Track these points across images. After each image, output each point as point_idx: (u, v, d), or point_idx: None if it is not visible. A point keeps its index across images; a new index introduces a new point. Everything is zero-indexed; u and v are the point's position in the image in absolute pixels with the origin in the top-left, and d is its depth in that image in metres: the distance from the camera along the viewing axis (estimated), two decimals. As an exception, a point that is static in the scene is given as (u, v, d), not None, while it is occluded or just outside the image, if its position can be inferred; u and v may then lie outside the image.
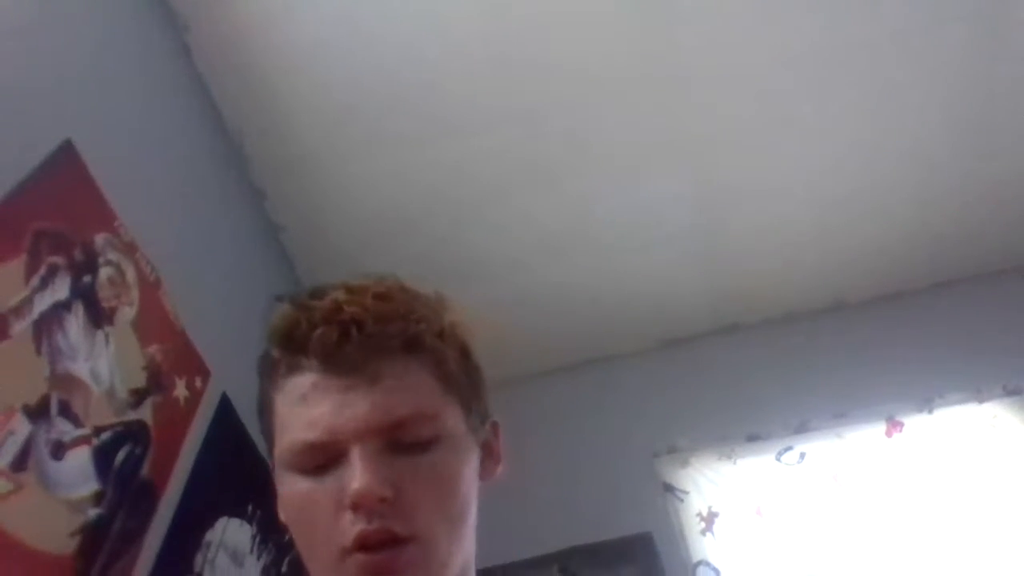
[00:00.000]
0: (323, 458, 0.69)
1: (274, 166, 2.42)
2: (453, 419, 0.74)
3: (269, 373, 0.75)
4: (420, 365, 0.73)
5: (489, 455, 0.78)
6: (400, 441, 0.70)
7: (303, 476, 0.70)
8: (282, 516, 0.77)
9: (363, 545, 0.67)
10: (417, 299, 0.76)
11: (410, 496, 0.68)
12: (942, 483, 2.60)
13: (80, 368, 1.42)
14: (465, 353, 0.77)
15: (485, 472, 0.77)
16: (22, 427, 1.25)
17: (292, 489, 0.71)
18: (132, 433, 1.51)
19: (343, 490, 0.68)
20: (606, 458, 2.77)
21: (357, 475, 0.67)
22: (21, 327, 1.30)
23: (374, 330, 0.71)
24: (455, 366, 0.75)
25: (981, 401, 2.72)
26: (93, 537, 1.34)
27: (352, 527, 0.67)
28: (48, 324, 1.37)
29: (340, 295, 0.72)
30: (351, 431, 0.69)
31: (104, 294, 1.54)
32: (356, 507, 0.67)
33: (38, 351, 1.33)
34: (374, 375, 0.70)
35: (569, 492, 2.70)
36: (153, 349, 1.65)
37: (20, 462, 1.22)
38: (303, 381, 0.71)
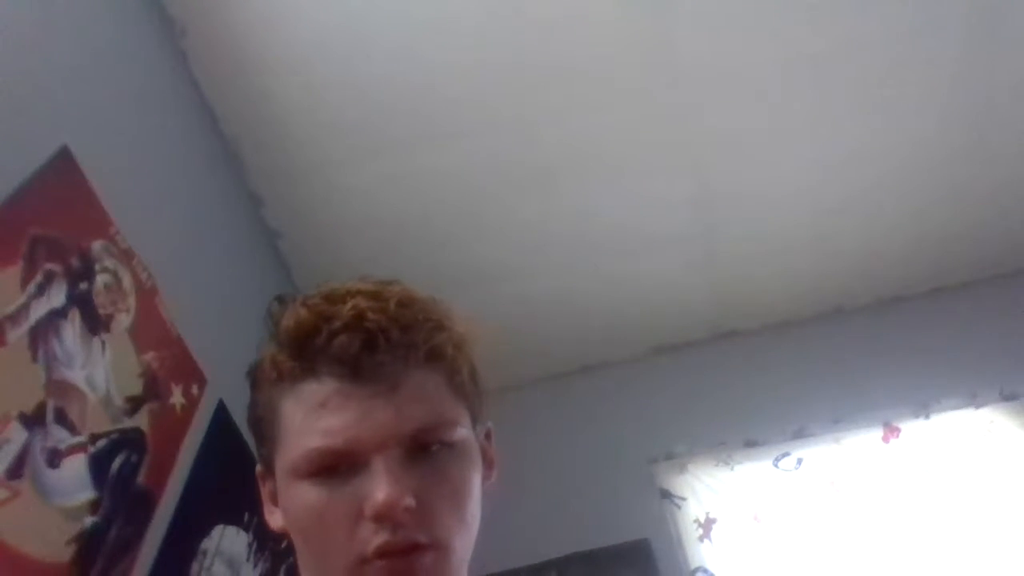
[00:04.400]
0: (339, 466, 0.69)
1: (271, 172, 2.42)
2: (464, 427, 0.74)
3: (275, 377, 0.73)
4: (437, 374, 0.73)
5: (486, 461, 0.79)
6: (418, 449, 0.70)
7: (315, 484, 0.69)
8: (278, 523, 0.76)
9: (385, 553, 0.67)
10: (434, 307, 0.75)
11: (429, 504, 0.68)
12: (939, 488, 2.60)
13: (76, 375, 1.41)
14: (473, 364, 0.78)
15: (483, 478, 0.77)
16: (18, 434, 1.24)
17: (303, 497, 0.70)
18: (128, 440, 1.51)
19: (362, 499, 0.67)
20: (603, 465, 2.76)
21: (382, 486, 0.66)
22: (17, 334, 1.30)
23: (399, 339, 0.71)
24: (466, 376, 0.76)
25: (978, 406, 2.72)
26: (89, 545, 1.33)
27: (375, 537, 0.67)
28: (44, 331, 1.36)
29: (361, 302, 0.71)
30: (374, 440, 0.68)
31: (101, 301, 1.53)
32: (380, 518, 0.67)
33: (34, 358, 1.32)
34: (395, 383, 0.70)
35: (566, 499, 2.70)
36: (149, 356, 1.64)
37: (16, 470, 1.22)
38: (321, 388, 0.70)
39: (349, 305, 0.71)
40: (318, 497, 0.69)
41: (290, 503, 0.72)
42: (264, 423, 0.75)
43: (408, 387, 0.70)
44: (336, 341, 0.69)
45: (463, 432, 0.73)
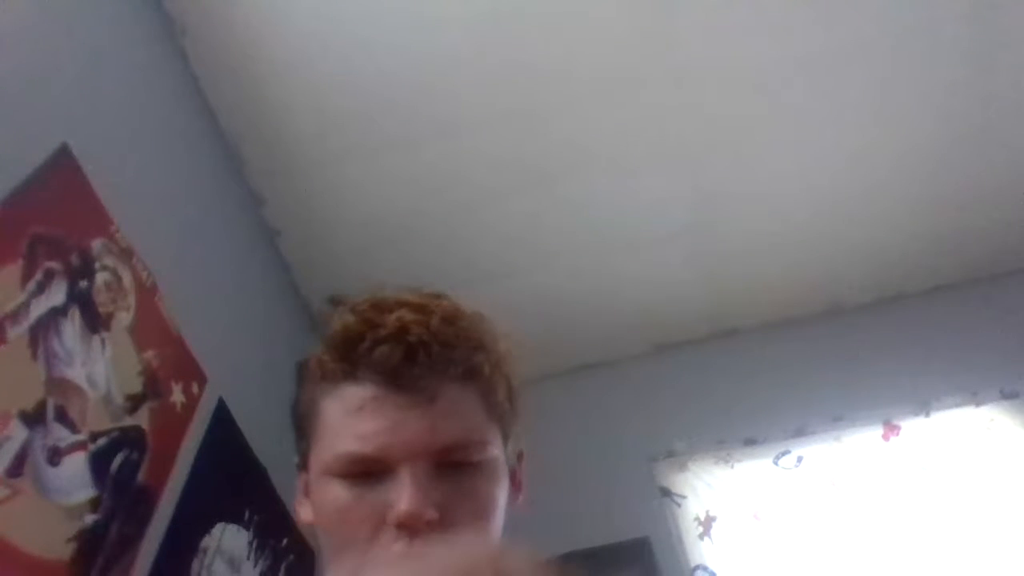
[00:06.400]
0: (369, 471, 0.71)
1: (271, 170, 2.42)
2: (494, 446, 0.76)
3: (319, 376, 0.76)
4: (473, 392, 0.75)
5: (514, 482, 0.80)
6: (446, 463, 0.71)
7: (345, 484, 0.71)
8: (307, 516, 0.78)
9: None
10: (477, 325, 0.78)
11: (452, 519, 0.70)
12: (939, 487, 2.60)
13: (76, 373, 1.41)
14: (511, 383, 0.81)
15: (511, 499, 0.80)
16: (18, 432, 1.24)
17: (332, 496, 0.72)
18: (128, 439, 1.51)
19: (387, 506, 0.69)
20: (603, 463, 2.76)
21: (406, 495, 0.68)
22: (17, 332, 1.30)
23: (439, 355, 0.73)
24: (502, 395, 0.78)
25: (978, 404, 2.72)
26: (89, 543, 1.33)
27: (394, 544, 0.68)
28: (44, 329, 1.36)
29: (407, 314, 0.73)
30: (405, 450, 0.70)
31: (101, 299, 1.53)
32: (402, 526, 0.68)
33: (34, 356, 1.32)
34: (431, 397, 0.72)
35: (566, 497, 2.69)
36: (149, 354, 1.64)
37: (16, 468, 1.22)
38: (360, 392, 0.72)
39: (395, 316, 0.73)
40: (345, 497, 0.71)
41: (320, 498, 0.74)
42: (304, 419, 0.78)
43: (443, 402, 0.72)
44: (378, 350, 0.72)
45: (493, 451, 0.75)
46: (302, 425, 0.79)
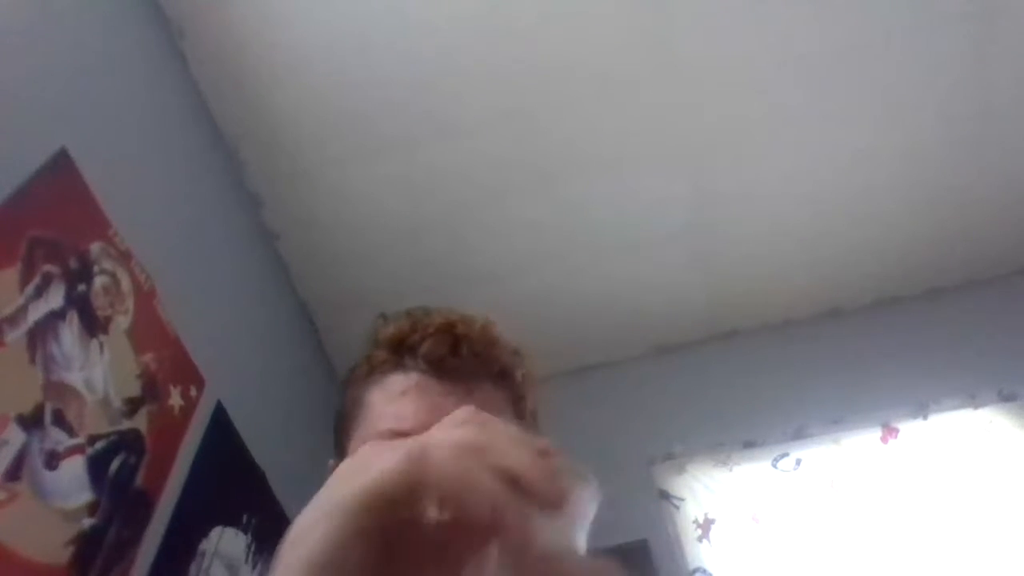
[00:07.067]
0: None
1: (270, 173, 2.42)
2: None
3: (366, 371, 0.82)
4: (504, 394, 0.81)
5: None
6: None
7: None
8: None
9: None
10: (509, 340, 0.85)
11: None
12: (938, 489, 2.60)
13: (74, 377, 1.41)
14: (535, 399, 0.86)
15: None
16: (16, 436, 1.24)
17: None
18: (126, 442, 1.51)
19: None
20: (602, 465, 2.70)
21: None
22: (15, 336, 1.29)
23: (481, 351, 0.80)
24: (529, 404, 0.84)
25: (976, 407, 2.72)
26: (87, 547, 1.33)
27: None
28: (42, 333, 1.36)
29: (453, 316, 0.82)
30: None
31: (99, 303, 1.53)
32: None
33: (32, 360, 1.32)
34: (470, 389, 0.78)
35: (565, 499, 2.69)
36: (148, 358, 1.64)
37: (14, 472, 1.22)
38: (406, 379, 0.79)
39: (443, 316, 0.82)
40: None
41: None
42: (346, 418, 0.83)
43: (480, 396, 0.78)
44: (427, 342, 0.79)
45: None
46: (343, 425, 0.83)
